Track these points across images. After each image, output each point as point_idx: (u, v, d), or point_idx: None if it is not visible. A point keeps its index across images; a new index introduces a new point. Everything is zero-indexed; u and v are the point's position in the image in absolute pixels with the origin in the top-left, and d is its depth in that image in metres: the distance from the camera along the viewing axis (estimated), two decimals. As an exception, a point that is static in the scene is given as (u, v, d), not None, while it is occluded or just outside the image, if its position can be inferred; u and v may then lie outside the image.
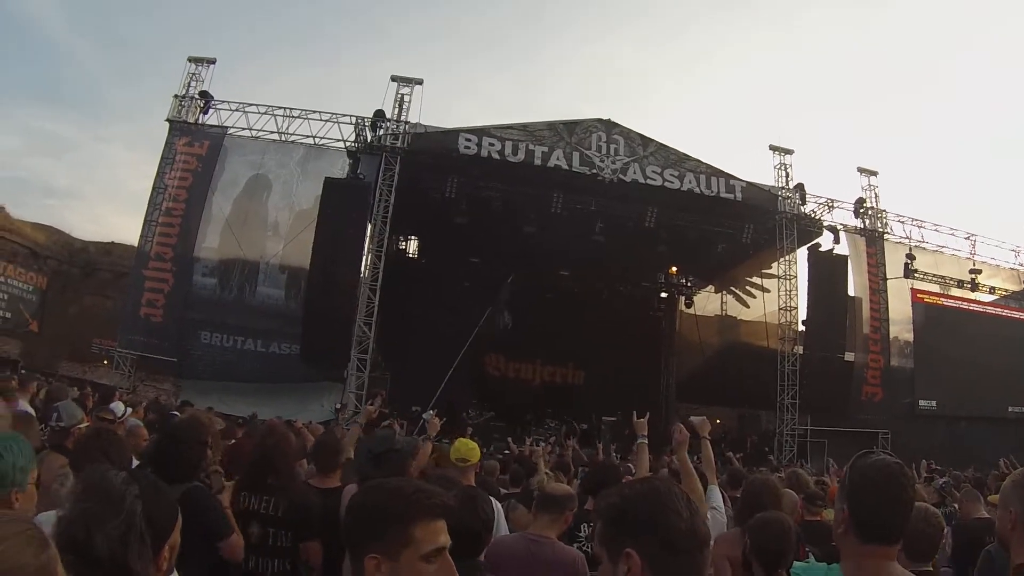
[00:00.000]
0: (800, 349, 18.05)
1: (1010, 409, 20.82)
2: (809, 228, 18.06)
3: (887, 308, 19.24)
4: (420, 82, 16.66)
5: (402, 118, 16.37)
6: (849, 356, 18.68)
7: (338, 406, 15.23)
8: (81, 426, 3.95)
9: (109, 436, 3.26)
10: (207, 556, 3.00)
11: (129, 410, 6.59)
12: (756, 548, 2.85)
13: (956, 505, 5.74)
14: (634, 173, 16.17)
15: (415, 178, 16.05)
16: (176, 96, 17.81)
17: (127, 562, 1.45)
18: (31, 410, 5.48)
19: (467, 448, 4.33)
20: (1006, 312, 21.43)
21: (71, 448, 3.68)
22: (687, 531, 1.29)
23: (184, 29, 63.81)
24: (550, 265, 20.00)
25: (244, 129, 17.51)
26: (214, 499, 3.22)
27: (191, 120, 17.70)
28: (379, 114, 16.32)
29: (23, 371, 13.93)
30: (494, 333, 19.12)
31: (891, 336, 19.51)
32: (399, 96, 16.51)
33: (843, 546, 1.81)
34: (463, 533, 2.40)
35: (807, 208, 18.14)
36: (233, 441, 6.28)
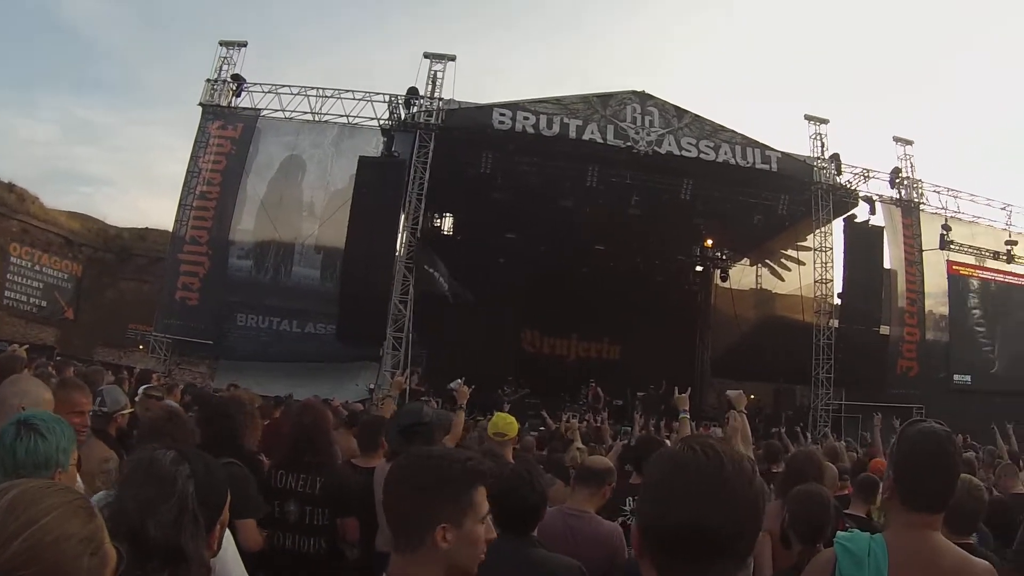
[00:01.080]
0: (835, 323, 17.87)
1: (1047, 383, 20.60)
2: (845, 199, 17.87)
3: (923, 281, 19.05)
4: (453, 58, 16.66)
5: (436, 95, 16.36)
6: (884, 330, 18.46)
7: (371, 386, 15.29)
8: (125, 412, 3.92)
9: (179, 420, 3.19)
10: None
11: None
12: (794, 520, 2.85)
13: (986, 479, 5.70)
14: (669, 145, 16.08)
15: (450, 155, 16.05)
16: (208, 80, 17.93)
17: (180, 545, 1.45)
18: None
19: (505, 423, 4.31)
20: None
21: (115, 434, 3.70)
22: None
23: (215, 11, 64.01)
24: (586, 239, 19.95)
25: (277, 111, 17.61)
26: (248, 478, 3.14)
27: (224, 104, 17.80)
28: (412, 91, 16.32)
29: (59, 358, 14.04)
30: (527, 310, 19.07)
31: (927, 309, 19.32)
32: (432, 73, 16.51)
33: (888, 512, 1.87)
34: (521, 508, 2.45)
35: (843, 179, 17.93)
36: (268, 421, 6.25)
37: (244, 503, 3.00)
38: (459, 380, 9.36)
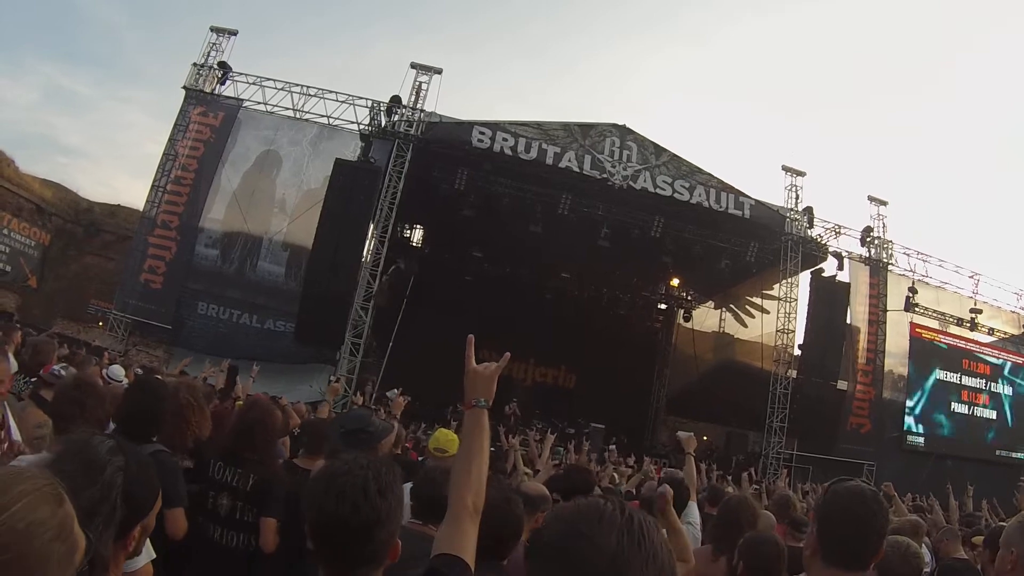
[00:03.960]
0: (793, 373, 18.00)
1: (997, 452, 20.81)
2: (814, 252, 18.01)
3: (884, 340, 19.19)
4: (440, 71, 16.66)
5: (418, 106, 16.36)
6: (842, 384, 18.63)
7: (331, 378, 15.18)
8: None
9: (88, 388, 3.20)
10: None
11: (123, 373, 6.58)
12: (750, 568, 2.83)
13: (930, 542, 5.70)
14: (644, 181, 16.15)
15: (425, 167, 16.04)
16: (195, 64, 17.84)
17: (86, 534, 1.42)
18: (14, 361, 5.42)
19: (447, 439, 4.25)
20: (1002, 355, 21.38)
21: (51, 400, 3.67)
22: None
23: None
24: (552, 266, 19.94)
25: (259, 103, 17.52)
26: (175, 467, 3.17)
27: (207, 90, 17.71)
28: (395, 100, 16.32)
29: (17, 324, 13.88)
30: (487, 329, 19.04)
31: (886, 368, 19.46)
32: (416, 83, 16.51)
33: (809, 569, 1.82)
34: (496, 536, 2.36)
35: (814, 232, 18.11)
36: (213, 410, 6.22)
37: (173, 491, 3.01)
38: (396, 390, 9.30)
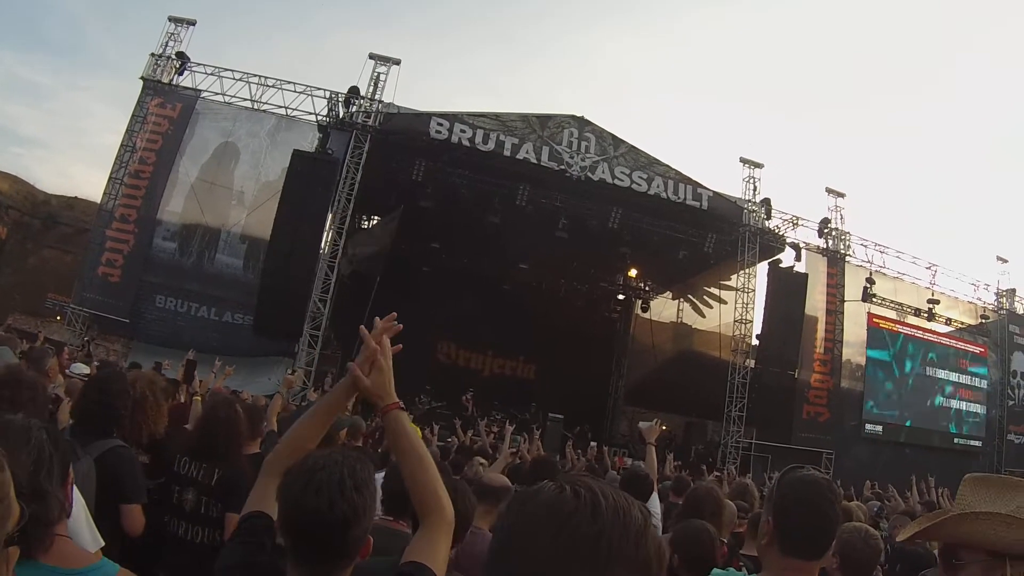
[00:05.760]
0: (752, 363, 18.21)
1: (956, 441, 21.20)
2: (772, 243, 18.23)
3: (842, 330, 19.48)
4: (398, 62, 16.61)
5: (376, 96, 16.32)
6: (800, 374, 18.88)
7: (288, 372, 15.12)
8: None
9: (16, 384, 3.08)
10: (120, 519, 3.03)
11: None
12: (683, 557, 2.88)
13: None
14: (602, 172, 16.23)
15: (383, 158, 15.99)
16: (153, 55, 17.62)
17: (39, 483, 1.51)
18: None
19: None
20: (960, 344, 21.77)
21: None
22: None
23: None
24: (510, 257, 20.02)
25: (217, 94, 17.33)
26: (134, 462, 3.21)
27: (165, 80, 17.51)
28: (354, 90, 16.26)
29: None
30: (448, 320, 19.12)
31: (844, 358, 19.74)
32: (375, 74, 16.46)
33: (764, 558, 1.82)
34: None
35: (771, 223, 18.31)
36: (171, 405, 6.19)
37: (133, 487, 3.09)
38: (291, 371, 9.15)
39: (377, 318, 1.82)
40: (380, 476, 2.72)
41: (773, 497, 1.80)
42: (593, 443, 11.42)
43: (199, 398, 5.99)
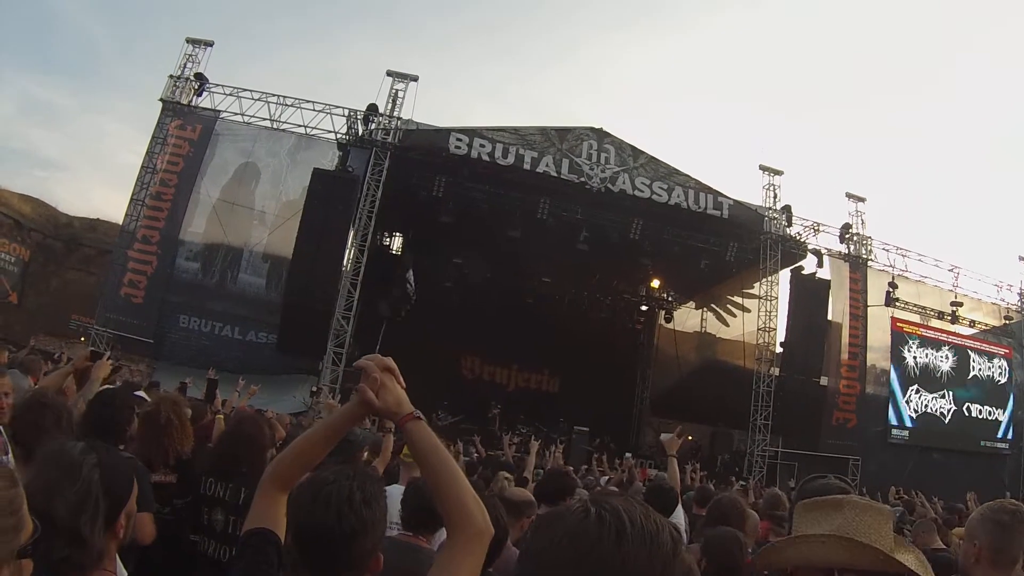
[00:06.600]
0: (776, 371, 18.09)
1: (982, 443, 20.97)
2: (793, 250, 18.13)
3: (866, 335, 19.32)
4: (416, 79, 16.68)
5: (395, 113, 16.39)
6: (824, 381, 18.73)
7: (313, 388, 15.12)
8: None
9: (40, 408, 3.22)
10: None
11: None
12: (712, 564, 2.90)
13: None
14: (623, 183, 16.21)
15: (403, 175, 16.06)
16: (171, 76, 17.73)
17: (78, 527, 1.51)
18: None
19: None
20: (984, 346, 21.55)
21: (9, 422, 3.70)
22: None
23: (187, 6, 63.55)
24: (532, 271, 20.01)
25: (236, 114, 17.45)
26: (143, 473, 3.17)
27: (184, 101, 17.63)
28: (372, 108, 16.35)
29: (-1, 342, 13.80)
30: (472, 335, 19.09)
31: (868, 363, 19.59)
32: (393, 91, 16.55)
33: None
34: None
35: (793, 230, 18.22)
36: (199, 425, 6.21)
37: (141, 497, 3.03)
38: (330, 394, 9.13)
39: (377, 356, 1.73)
40: (390, 489, 2.72)
41: (793, 508, 1.84)
42: (628, 454, 11.38)
43: (221, 416, 6.01)
